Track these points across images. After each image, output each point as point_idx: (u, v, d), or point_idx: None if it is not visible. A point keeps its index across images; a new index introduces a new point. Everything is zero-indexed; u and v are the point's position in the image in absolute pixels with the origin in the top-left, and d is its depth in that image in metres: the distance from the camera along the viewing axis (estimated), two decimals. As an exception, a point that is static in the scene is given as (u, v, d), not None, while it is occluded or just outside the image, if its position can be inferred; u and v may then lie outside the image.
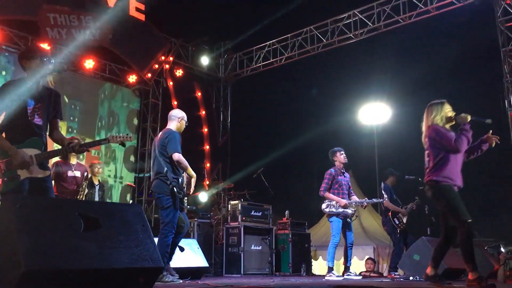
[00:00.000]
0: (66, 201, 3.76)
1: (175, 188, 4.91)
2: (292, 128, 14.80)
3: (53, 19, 9.47)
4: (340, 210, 6.64)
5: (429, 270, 4.44)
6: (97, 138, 9.54)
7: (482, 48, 11.00)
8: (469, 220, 4.09)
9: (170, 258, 5.07)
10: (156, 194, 5.00)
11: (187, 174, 5.09)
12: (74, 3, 9.85)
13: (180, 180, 5.04)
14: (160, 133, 5.31)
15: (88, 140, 7.46)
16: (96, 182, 7.25)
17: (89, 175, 7.20)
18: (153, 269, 2.78)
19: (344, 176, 6.98)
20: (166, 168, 4.93)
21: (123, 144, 3.76)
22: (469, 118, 4.28)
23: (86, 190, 6.75)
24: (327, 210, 6.76)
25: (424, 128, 4.47)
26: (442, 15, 9.89)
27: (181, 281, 4.98)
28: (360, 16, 10.94)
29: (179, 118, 5.28)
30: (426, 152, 4.43)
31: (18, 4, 9.20)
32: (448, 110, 4.38)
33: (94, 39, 9.98)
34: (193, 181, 5.09)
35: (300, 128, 14.25)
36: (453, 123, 4.37)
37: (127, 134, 3.76)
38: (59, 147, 3.82)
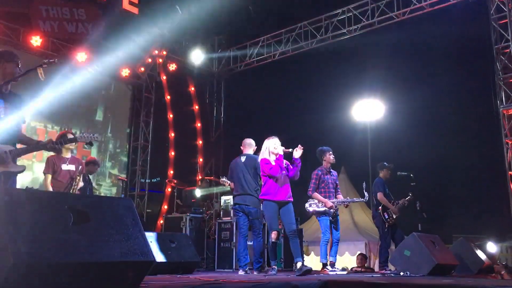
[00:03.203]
0: (55, 194, 3.73)
1: None
2: (285, 124, 14.78)
3: (45, 11, 9.39)
4: (323, 209, 6.73)
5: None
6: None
7: (475, 45, 11.04)
8: (277, 230, 5.68)
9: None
10: (250, 206, 6.27)
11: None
12: (66, -5, 9.77)
13: None
14: (244, 157, 6.54)
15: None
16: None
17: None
18: (143, 263, 2.76)
19: (331, 175, 7.04)
20: (257, 187, 6.23)
21: (90, 144, 3.87)
22: (282, 150, 5.81)
23: (81, 184, 6.70)
24: (310, 209, 6.90)
25: (260, 157, 5.92)
26: (435, 11, 9.92)
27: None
28: (355, 12, 10.95)
29: (254, 146, 6.68)
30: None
31: (10, -5, 9.12)
32: (274, 146, 5.83)
33: (86, 32, 9.90)
34: None
35: (293, 124, 14.23)
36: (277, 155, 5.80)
37: (94, 134, 3.95)
38: None
